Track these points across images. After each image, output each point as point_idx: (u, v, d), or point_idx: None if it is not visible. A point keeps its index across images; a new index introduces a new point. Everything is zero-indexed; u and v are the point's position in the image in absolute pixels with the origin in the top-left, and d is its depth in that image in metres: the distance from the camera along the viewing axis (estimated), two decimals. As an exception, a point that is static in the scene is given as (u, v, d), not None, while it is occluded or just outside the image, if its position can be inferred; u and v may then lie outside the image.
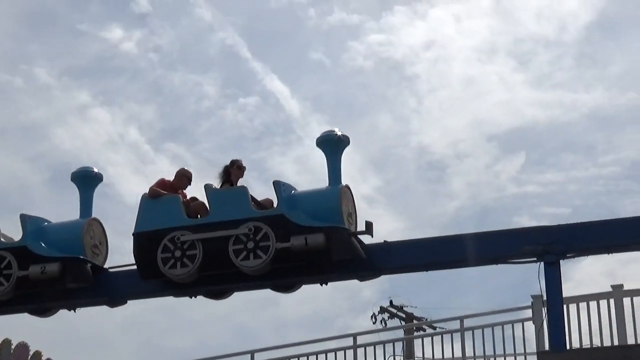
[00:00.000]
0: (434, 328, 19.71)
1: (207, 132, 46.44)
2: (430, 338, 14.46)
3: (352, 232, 11.41)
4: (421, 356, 14.75)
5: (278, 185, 11.57)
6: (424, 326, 23.80)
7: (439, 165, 45.27)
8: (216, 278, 11.72)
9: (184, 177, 12.29)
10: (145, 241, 11.78)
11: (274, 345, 15.21)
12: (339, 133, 11.73)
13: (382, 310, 27.83)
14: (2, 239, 12.49)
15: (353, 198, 11.69)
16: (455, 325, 14.08)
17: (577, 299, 12.88)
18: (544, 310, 11.61)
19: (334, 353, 14.54)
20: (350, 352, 14.39)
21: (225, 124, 46.52)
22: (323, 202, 11.47)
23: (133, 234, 11.96)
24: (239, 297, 12.27)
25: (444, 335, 14.27)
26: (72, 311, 12.66)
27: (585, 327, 12.76)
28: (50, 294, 12.30)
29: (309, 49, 47.31)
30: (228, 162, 12.14)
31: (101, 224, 12.74)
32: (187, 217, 11.81)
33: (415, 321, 27.11)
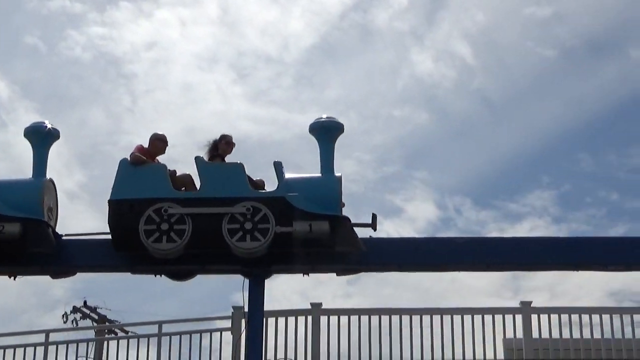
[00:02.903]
0: (126, 332, 19.39)
1: None
2: (126, 341, 14.12)
3: (356, 223, 10.92)
4: (113, 360, 14.37)
5: (279, 167, 10.97)
6: (119, 330, 23.31)
7: (147, 169, 44.52)
8: (202, 257, 10.95)
9: (157, 141, 11.38)
10: (125, 210, 10.75)
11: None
12: (333, 120, 11.24)
13: (75, 310, 27.03)
14: None
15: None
16: (154, 330, 13.85)
17: (277, 314, 13.12)
18: (244, 322, 11.71)
19: (23, 349, 13.85)
20: (40, 349, 13.76)
21: None
22: (324, 189, 10.88)
23: (110, 201, 10.87)
24: None
25: (140, 339, 14.00)
26: (12, 279, 11.33)
27: (282, 342, 13.02)
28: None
29: (24, 32, 45.20)
30: (217, 137, 11.43)
31: (55, 187, 11.41)
32: (174, 189, 10.93)
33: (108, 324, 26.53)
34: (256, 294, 11.36)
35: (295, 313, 13.26)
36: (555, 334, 13.05)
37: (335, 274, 11.47)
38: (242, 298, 11.25)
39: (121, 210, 10.85)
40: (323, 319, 13.17)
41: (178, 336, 13.51)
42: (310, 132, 11.30)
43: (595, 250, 11.33)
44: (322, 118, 11.31)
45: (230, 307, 13.36)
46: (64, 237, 11.40)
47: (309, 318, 13.19)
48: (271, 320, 12.97)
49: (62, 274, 11.52)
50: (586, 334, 12.99)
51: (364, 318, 13.13)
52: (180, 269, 11.26)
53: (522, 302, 13.15)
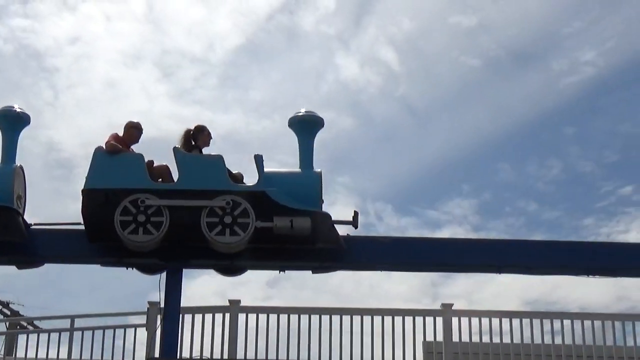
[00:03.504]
0: (35, 326, 18.86)
1: None
2: (36, 336, 13.59)
3: (337, 220, 10.81)
4: (23, 356, 13.84)
5: (260, 160, 10.73)
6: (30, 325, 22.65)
7: (68, 165, 43.77)
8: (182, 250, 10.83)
9: (132, 129, 11.08)
10: (100, 200, 10.40)
11: None
12: (314, 114, 11.09)
13: (-14, 305, 26.34)
14: None
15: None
16: (66, 325, 13.36)
17: (194, 310, 12.77)
18: (160, 318, 11.40)
19: None
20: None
21: None
22: (305, 185, 10.73)
23: (83, 190, 10.48)
24: None
25: (51, 333, 13.49)
26: None
27: (198, 338, 12.69)
28: None
29: (-55, 23, 43.89)
30: (191, 127, 11.15)
31: (24, 174, 10.95)
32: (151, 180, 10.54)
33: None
34: (173, 288, 11.09)
35: (213, 310, 12.92)
36: (476, 338, 12.94)
37: (310, 272, 11.43)
38: (159, 295, 11.07)
39: (96, 200, 10.57)
40: (241, 317, 12.87)
41: (91, 332, 13.06)
42: (289, 126, 11.21)
43: (519, 253, 11.37)
44: (301, 112, 11.18)
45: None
46: (32, 227, 11.05)
47: (227, 315, 12.87)
48: (188, 317, 12.60)
49: (29, 264, 11.17)
50: (506, 339, 12.91)
51: (283, 317, 12.85)
52: (151, 263, 11.09)
53: (443, 305, 13.02)
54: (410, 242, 11.83)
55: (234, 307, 12.89)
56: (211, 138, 11.39)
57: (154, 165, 11.10)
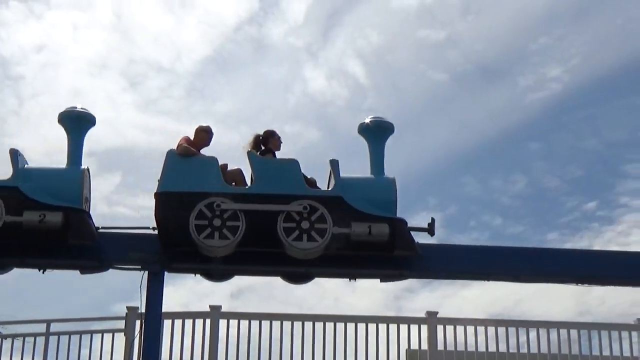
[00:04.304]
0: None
1: None
2: (10, 341, 13.21)
3: (413, 227, 10.54)
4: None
5: (336, 165, 10.49)
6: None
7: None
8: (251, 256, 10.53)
9: (202, 133, 10.82)
10: (174, 203, 10.14)
11: None
12: (384, 120, 10.95)
13: (-45, 310, 25.82)
14: None
15: None
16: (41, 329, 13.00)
17: (174, 315, 12.51)
18: (139, 323, 11.12)
19: None
20: None
21: None
22: (380, 191, 10.51)
23: (157, 193, 10.23)
24: None
25: (26, 338, 13.13)
26: (41, 272, 10.59)
27: (178, 344, 12.45)
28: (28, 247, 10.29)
29: None
30: (261, 132, 11.02)
31: (90, 176, 10.67)
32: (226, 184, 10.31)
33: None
34: (155, 292, 10.82)
35: (193, 315, 12.68)
36: (461, 347, 12.77)
37: (379, 280, 11.10)
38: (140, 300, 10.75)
39: (170, 203, 10.29)
40: (222, 323, 12.61)
41: (67, 336, 12.74)
42: (359, 132, 11.03)
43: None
44: (371, 118, 11.03)
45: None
46: (100, 230, 10.75)
47: (207, 321, 12.62)
48: (167, 323, 12.33)
49: (94, 269, 10.83)
50: (492, 347, 12.76)
51: (265, 323, 12.62)
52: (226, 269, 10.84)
53: (427, 313, 12.83)
54: (486, 251, 11.48)
55: (214, 313, 12.65)
56: (281, 142, 11.20)
57: (228, 169, 10.88)
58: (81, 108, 11.02)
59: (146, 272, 10.79)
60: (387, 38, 33.06)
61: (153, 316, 10.91)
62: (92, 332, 12.73)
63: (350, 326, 12.60)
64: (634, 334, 13.01)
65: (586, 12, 31.89)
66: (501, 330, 12.80)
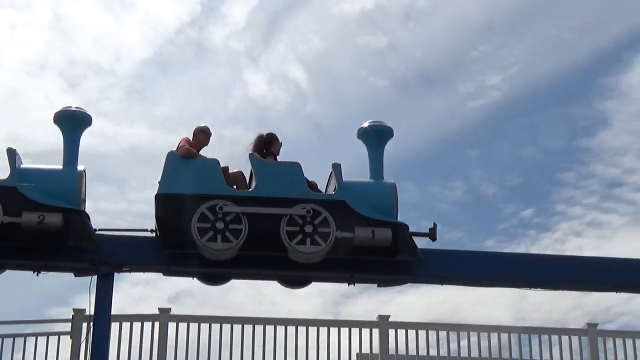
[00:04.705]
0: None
1: None
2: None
3: (415, 232, 10.43)
4: None
5: (338, 169, 10.32)
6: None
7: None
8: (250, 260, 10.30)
9: (200, 134, 10.63)
10: (175, 206, 9.88)
11: None
12: (383, 124, 10.81)
13: None
14: None
15: None
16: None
17: (122, 318, 12.27)
18: (86, 325, 10.91)
19: None
20: None
21: None
22: (381, 195, 10.41)
23: (157, 195, 9.97)
24: None
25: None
26: (36, 274, 10.31)
27: (126, 347, 12.22)
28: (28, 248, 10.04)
29: None
30: (263, 134, 10.82)
31: (86, 177, 10.33)
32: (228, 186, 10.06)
33: None
34: (104, 294, 10.57)
35: (142, 318, 12.47)
36: (412, 351, 12.72)
37: (376, 285, 11.04)
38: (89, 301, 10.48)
39: (171, 205, 10.07)
40: (171, 326, 12.41)
41: (11, 339, 12.41)
42: (358, 137, 10.92)
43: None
44: (370, 122, 10.90)
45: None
46: (97, 232, 10.42)
47: (157, 324, 12.40)
48: (115, 325, 12.05)
49: (90, 272, 10.49)
50: (443, 352, 12.74)
51: (215, 326, 12.44)
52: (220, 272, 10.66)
53: (379, 316, 12.77)
54: (489, 257, 11.46)
55: (163, 316, 12.45)
56: (281, 146, 11.04)
57: (229, 171, 10.69)
58: (76, 107, 10.80)
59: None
60: (328, 43, 33.10)
61: (102, 319, 10.66)
62: (37, 335, 12.42)
63: (302, 330, 12.49)
64: (584, 338, 13.09)
65: (523, 21, 32.31)
66: (453, 335, 12.80)
